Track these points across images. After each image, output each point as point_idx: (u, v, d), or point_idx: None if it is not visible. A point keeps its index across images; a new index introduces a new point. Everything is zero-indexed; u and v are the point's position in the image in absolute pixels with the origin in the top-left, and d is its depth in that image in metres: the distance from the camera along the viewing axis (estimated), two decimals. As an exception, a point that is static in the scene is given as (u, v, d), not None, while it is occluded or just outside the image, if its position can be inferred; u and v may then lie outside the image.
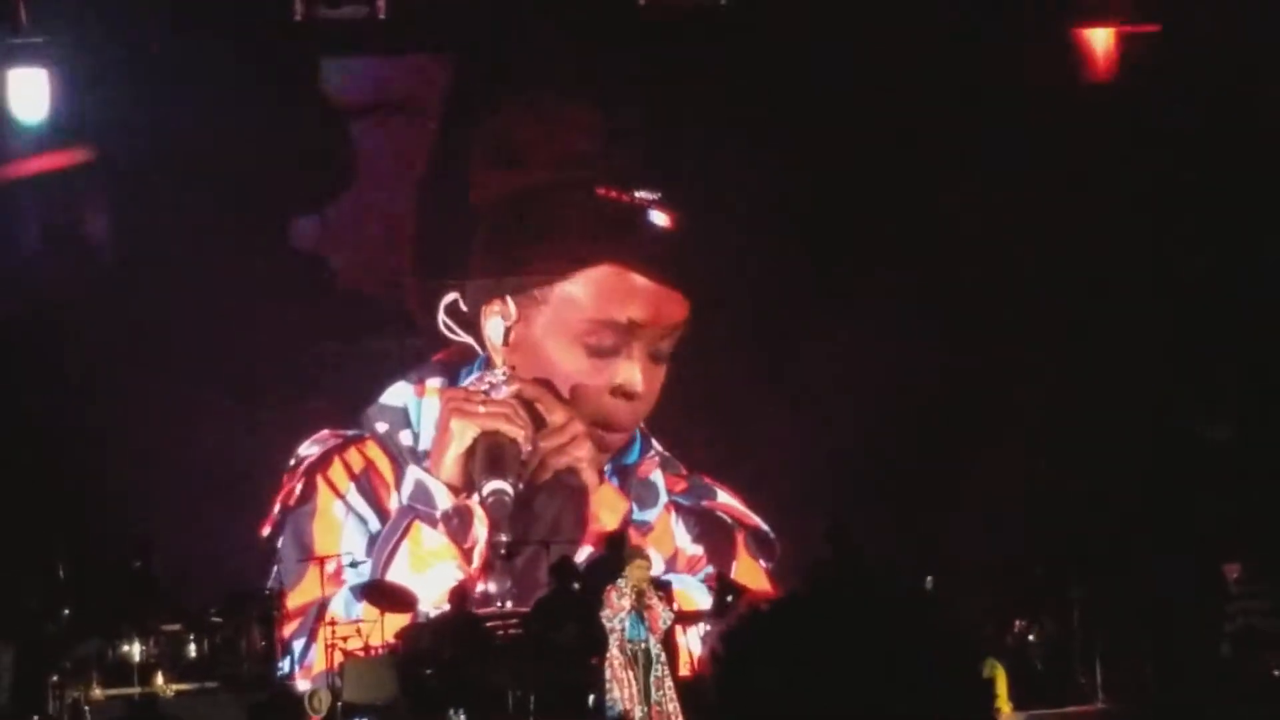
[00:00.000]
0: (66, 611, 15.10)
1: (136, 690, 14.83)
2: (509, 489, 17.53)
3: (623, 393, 17.95)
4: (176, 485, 16.70)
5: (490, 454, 17.66)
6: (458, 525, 17.58)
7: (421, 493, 17.75)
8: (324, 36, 17.57)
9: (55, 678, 14.67)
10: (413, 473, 17.83)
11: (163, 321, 17.36)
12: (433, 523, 17.61)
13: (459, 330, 18.22)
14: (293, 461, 17.83)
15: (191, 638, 15.23)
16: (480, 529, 17.54)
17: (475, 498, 17.56)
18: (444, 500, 17.63)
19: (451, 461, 17.71)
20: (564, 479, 17.87)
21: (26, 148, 17.63)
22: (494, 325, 18.12)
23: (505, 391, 17.78)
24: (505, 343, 18.09)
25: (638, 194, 17.99)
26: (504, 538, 17.59)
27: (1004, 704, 14.26)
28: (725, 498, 18.45)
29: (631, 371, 17.95)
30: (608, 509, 17.86)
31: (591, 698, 15.14)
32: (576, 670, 15.13)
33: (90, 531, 16.05)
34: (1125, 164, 17.28)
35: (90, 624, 15.14)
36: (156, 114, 17.22)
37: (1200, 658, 14.91)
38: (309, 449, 17.87)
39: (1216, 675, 14.80)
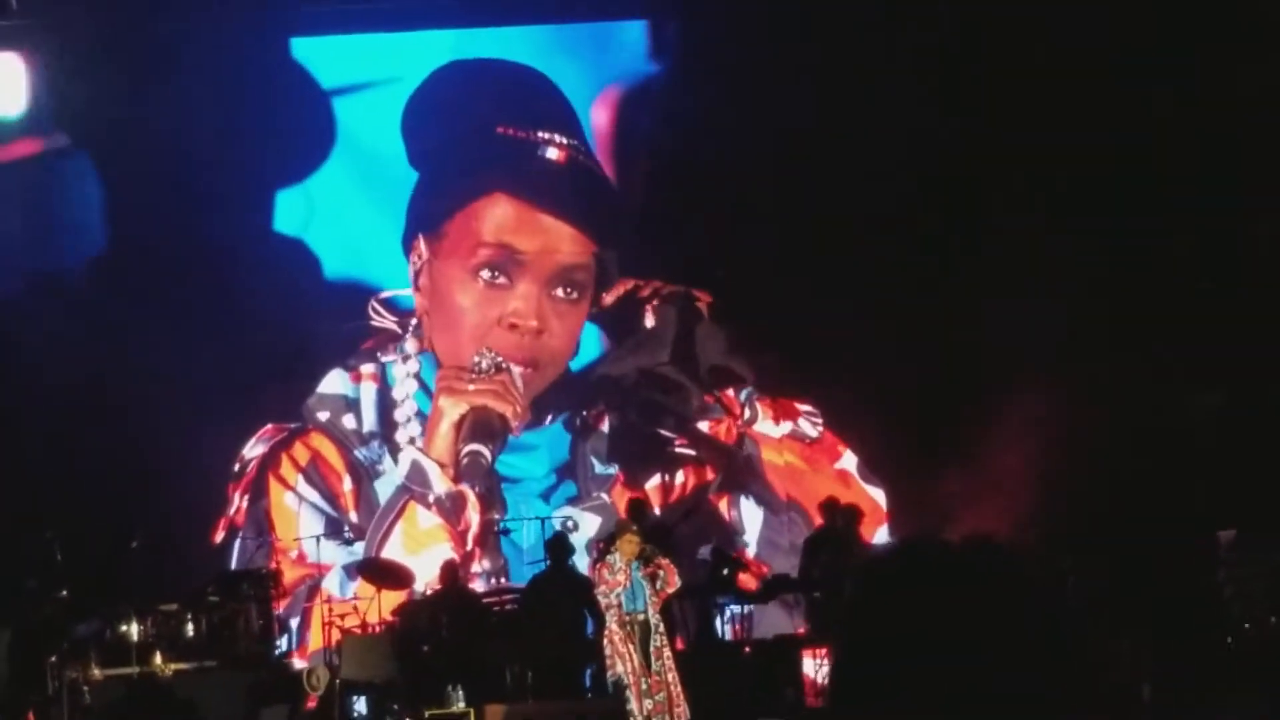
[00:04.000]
0: (64, 592, 15.06)
1: (135, 670, 14.79)
2: (487, 453, 17.78)
3: (509, 324, 18.01)
4: (170, 464, 16.70)
5: (476, 425, 17.81)
6: (450, 508, 17.67)
7: (417, 473, 17.81)
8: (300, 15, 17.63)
9: (54, 658, 14.62)
10: (409, 453, 17.90)
11: (147, 310, 17.38)
12: (427, 504, 17.69)
13: (385, 314, 18.27)
14: (238, 467, 17.81)
15: (189, 617, 15.18)
16: (473, 514, 17.65)
17: (467, 485, 17.71)
18: (439, 483, 17.72)
19: (442, 437, 17.86)
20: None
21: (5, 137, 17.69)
22: (409, 267, 18.28)
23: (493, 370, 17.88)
24: (416, 285, 18.22)
25: (539, 133, 18.14)
26: (497, 516, 17.68)
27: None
28: None
29: (519, 303, 18.01)
30: None
31: (588, 672, 15.19)
32: (573, 646, 15.19)
33: (86, 511, 16.02)
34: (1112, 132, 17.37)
35: (88, 604, 15.10)
36: (133, 95, 17.21)
37: (1197, 630, 14.93)
38: (253, 449, 17.87)
39: (1213, 649, 14.83)
